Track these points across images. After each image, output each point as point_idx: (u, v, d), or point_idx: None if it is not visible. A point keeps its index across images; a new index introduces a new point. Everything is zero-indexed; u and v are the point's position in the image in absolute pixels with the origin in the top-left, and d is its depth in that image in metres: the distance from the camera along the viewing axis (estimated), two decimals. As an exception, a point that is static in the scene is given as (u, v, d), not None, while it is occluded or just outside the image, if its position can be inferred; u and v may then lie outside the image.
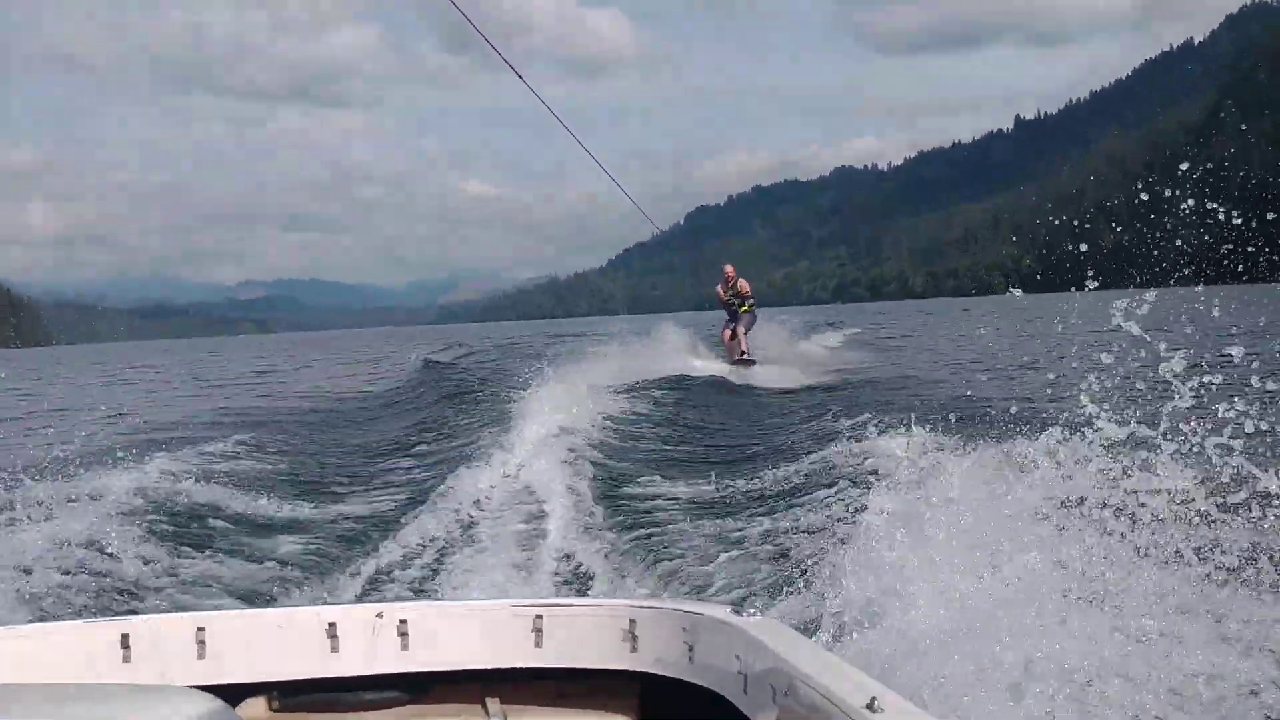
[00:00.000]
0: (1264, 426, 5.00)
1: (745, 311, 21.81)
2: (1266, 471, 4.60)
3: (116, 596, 6.25)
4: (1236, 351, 5.95)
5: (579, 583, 6.57)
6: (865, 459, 9.54)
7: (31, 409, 25.38)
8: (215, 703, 1.79)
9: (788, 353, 24.44)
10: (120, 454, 11.21)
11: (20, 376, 45.08)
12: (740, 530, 7.53)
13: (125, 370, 52.41)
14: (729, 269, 22.35)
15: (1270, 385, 5.07)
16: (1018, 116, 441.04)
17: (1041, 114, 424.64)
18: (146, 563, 6.97)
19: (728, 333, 22.14)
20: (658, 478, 10.22)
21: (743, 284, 21.95)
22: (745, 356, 21.40)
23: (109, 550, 7.04)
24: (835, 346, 32.22)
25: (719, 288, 22.18)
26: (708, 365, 22.04)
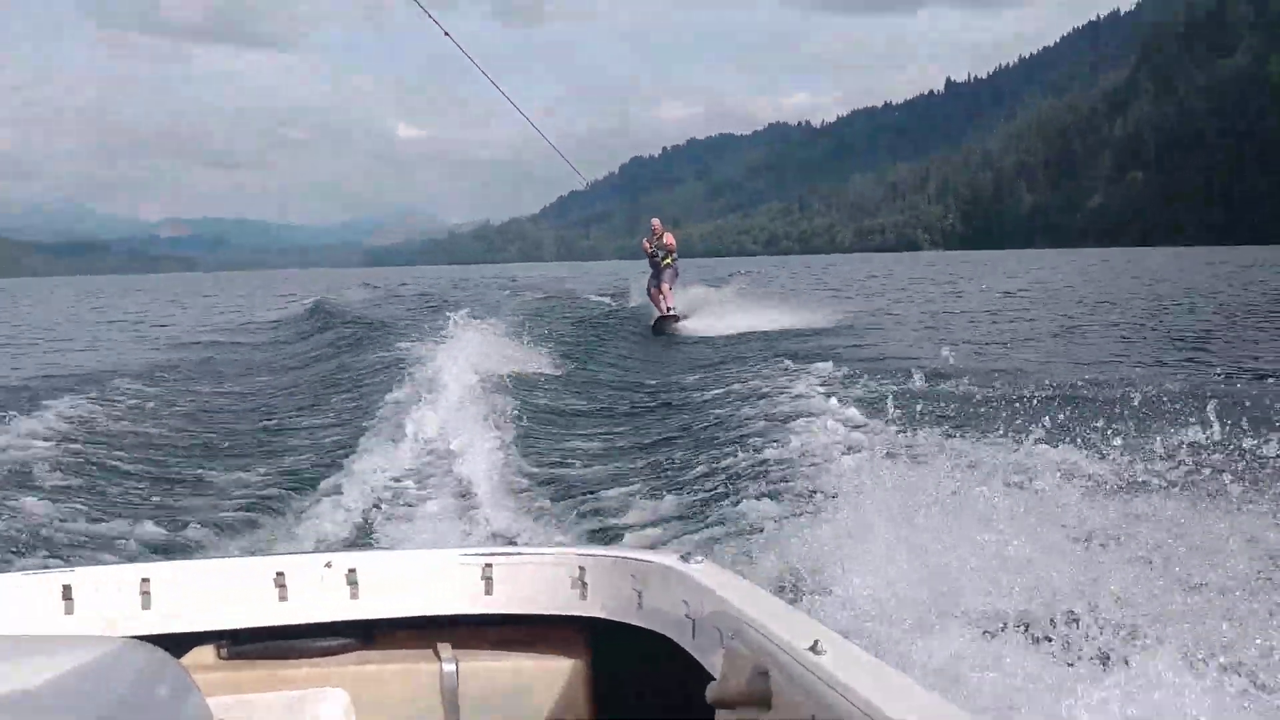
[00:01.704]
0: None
1: (667, 265, 22.15)
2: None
3: (52, 549, 6.11)
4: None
5: (522, 536, 6.46)
6: (790, 404, 10.00)
7: None
8: (156, 652, 1.78)
9: (706, 301, 24.82)
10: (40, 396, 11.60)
11: None
12: (682, 480, 7.61)
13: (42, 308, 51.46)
14: (655, 222, 22.79)
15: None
16: (948, 79, 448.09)
17: (971, 77, 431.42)
18: (80, 516, 6.84)
19: (653, 289, 22.61)
20: (588, 428, 10.36)
21: (668, 237, 22.30)
22: (671, 312, 21.99)
23: (36, 496, 7.04)
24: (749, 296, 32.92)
25: (645, 241, 22.57)
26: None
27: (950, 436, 6.77)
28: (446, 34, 7.79)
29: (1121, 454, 5.29)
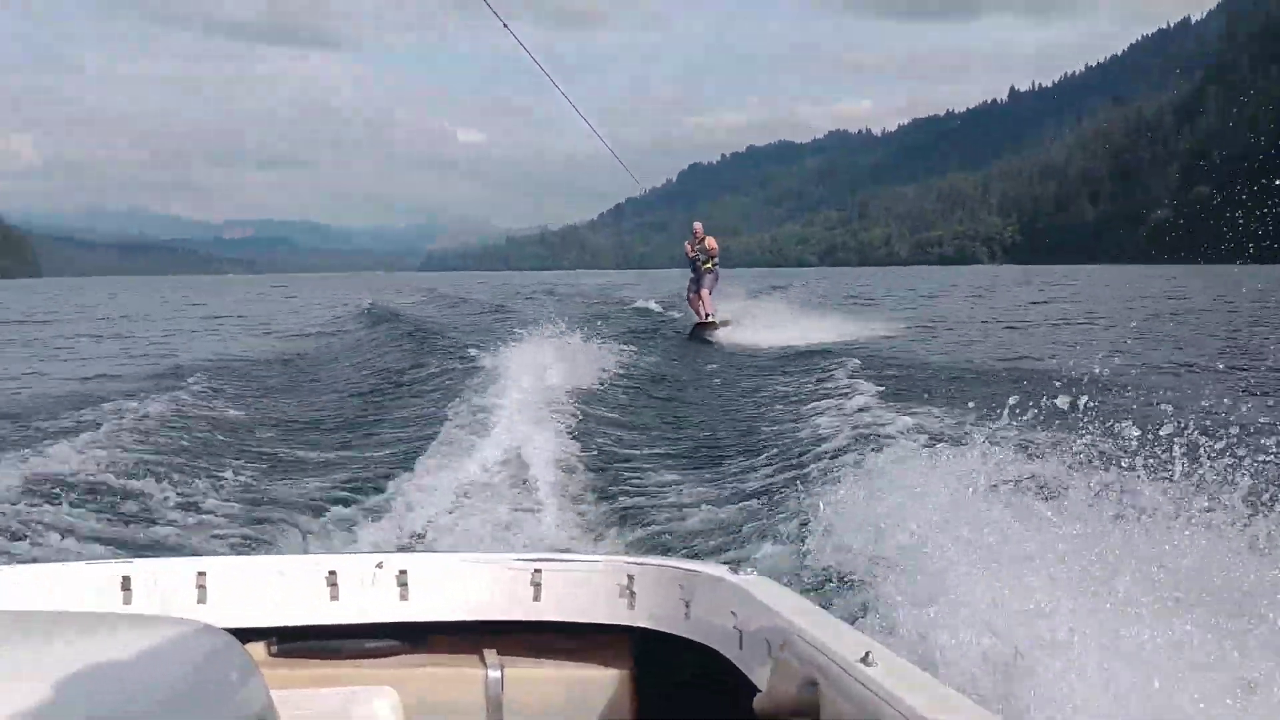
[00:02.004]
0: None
1: (708, 270, 21.89)
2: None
3: (115, 541, 6.24)
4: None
5: (571, 543, 6.53)
6: (853, 420, 9.69)
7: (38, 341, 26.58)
8: (223, 635, 1.80)
9: (760, 312, 24.37)
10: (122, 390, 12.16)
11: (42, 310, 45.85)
12: (733, 489, 7.59)
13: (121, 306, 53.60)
14: (698, 226, 22.49)
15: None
16: (1012, 88, 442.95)
17: (1036, 86, 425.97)
18: (142, 509, 7.02)
19: (692, 294, 22.37)
20: (643, 437, 10.36)
21: (710, 242, 22.03)
22: (709, 318, 21.68)
23: (102, 493, 7.23)
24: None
25: (687, 244, 22.30)
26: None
27: (1083, 468, 5.22)
28: (515, 37, 7.88)
29: None
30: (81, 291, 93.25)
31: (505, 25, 7.47)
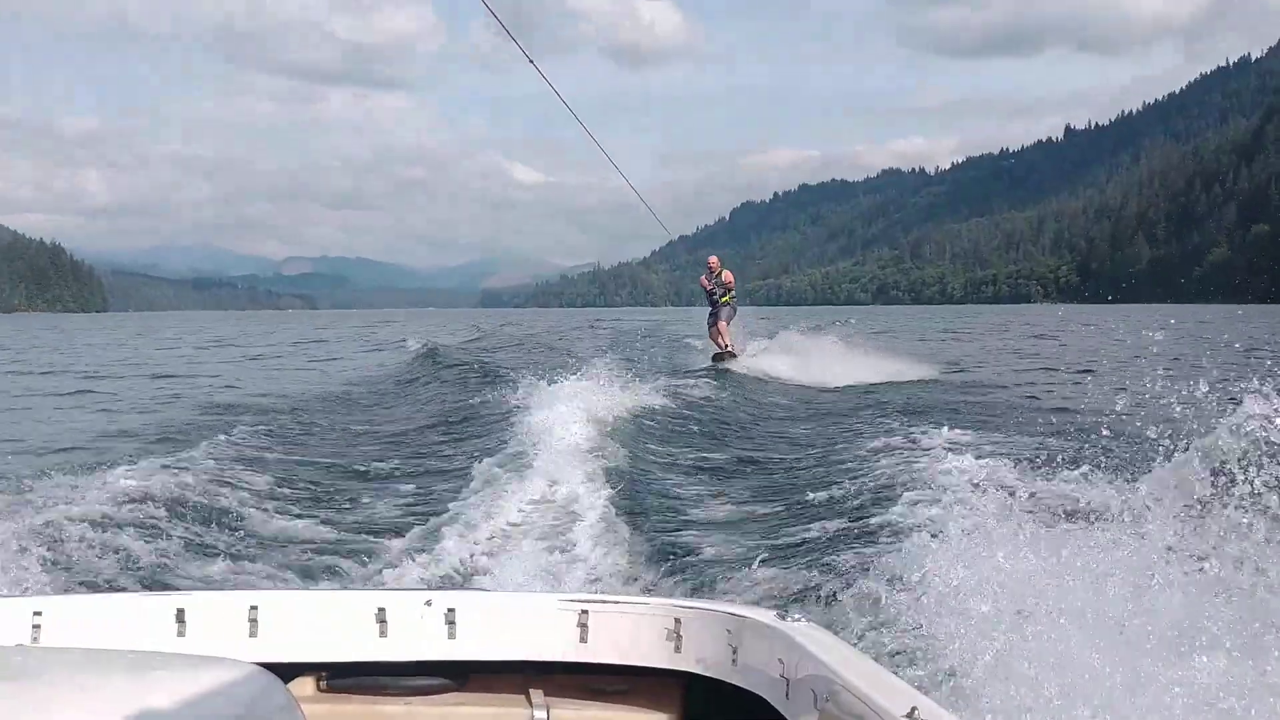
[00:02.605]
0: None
1: (725, 303, 22.22)
2: None
3: (171, 574, 6.33)
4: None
5: (618, 584, 6.51)
6: (906, 461, 9.41)
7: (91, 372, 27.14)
8: (267, 676, 1.81)
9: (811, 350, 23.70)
10: (186, 429, 12.23)
11: (106, 342, 47.28)
12: (782, 534, 7.47)
13: (186, 338, 55.01)
14: (713, 260, 22.75)
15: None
16: (1068, 126, 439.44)
17: (1093, 124, 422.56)
18: (198, 542, 7.11)
19: (711, 327, 22.70)
20: (690, 478, 10.21)
21: (726, 275, 22.26)
22: (727, 349, 22.08)
23: (157, 527, 7.24)
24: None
25: (703, 278, 22.54)
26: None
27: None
28: (544, 77, 7.75)
29: None
30: (146, 323, 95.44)
31: (531, 61, 7.40)
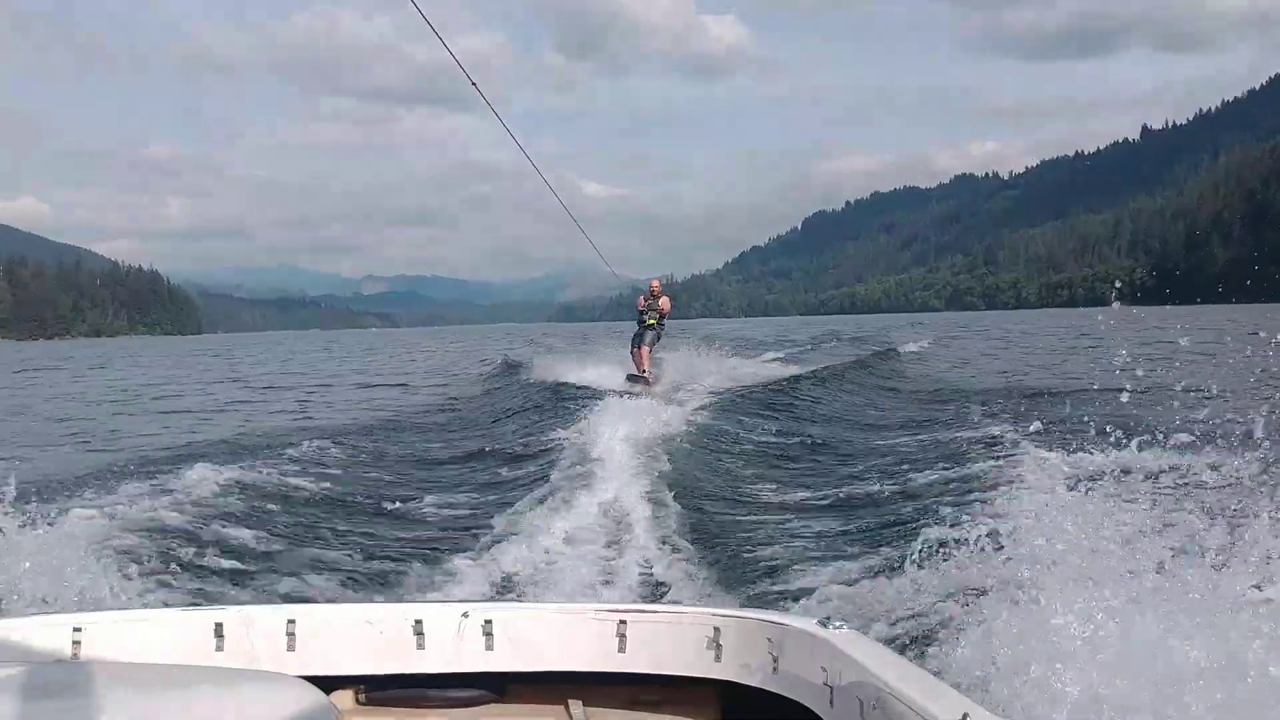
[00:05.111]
0: None
1: (650, 326, 21.84)
2: None
3: (211, 587, 6.31)
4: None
5: (660, 590, 6.43)
6: (961, 467, 9.30)
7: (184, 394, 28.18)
8: (310, 689, 1.81)
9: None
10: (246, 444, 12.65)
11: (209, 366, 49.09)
12: (826, 540, 7.37)
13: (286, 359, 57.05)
14: (655, 284, 22.81)
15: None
16: (1145, 126, 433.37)
17: (1170, 124, 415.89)
18: (240, 555, 7.11)
19: (634, 349, 22.30)
20: (736, 483, 10.28)
21: (664, 301, 22.05)
22: (643, 374, 21.53)
23: (204, 540, 7.26)
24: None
25: (641, 298, 22.32)
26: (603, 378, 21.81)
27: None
28: (490, 106, 7.95)
29: None
30: (242, 344, 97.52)
31: (474, 84, 7.48)
